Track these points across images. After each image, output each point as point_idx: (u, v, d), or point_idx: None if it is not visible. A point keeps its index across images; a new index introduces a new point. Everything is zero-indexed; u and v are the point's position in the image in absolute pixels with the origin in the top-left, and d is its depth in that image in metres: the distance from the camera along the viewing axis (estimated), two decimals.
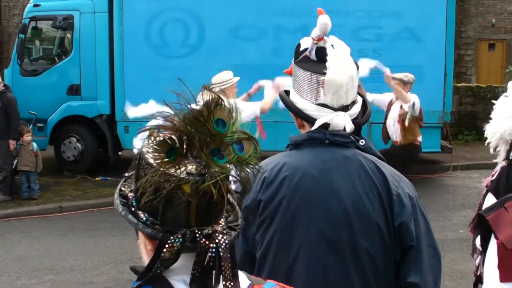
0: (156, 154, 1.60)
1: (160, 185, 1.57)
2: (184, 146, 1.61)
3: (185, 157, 1.61)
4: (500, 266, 2.96)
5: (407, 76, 9.69)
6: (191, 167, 1.59)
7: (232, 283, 1.58)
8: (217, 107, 1.61)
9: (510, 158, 3.46)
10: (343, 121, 2.53)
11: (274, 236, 2.51)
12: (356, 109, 2.57)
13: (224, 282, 1.57)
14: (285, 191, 2.50)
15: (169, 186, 1.56)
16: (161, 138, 1.61)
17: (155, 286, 1.61)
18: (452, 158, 14.29)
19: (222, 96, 1.66)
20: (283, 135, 11.72)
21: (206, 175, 1.57)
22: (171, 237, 1.57)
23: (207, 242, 1.57)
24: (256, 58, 13.28)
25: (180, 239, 1.57)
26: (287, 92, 2.70)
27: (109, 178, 13.45)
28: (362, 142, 2.58)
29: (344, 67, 2.48)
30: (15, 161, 12.09)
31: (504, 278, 2.95)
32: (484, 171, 14.43)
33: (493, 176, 3.54)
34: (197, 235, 1.57)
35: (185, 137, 1.60)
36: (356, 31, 12.59)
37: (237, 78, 8.13)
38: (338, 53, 2.51)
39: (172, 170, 1.57)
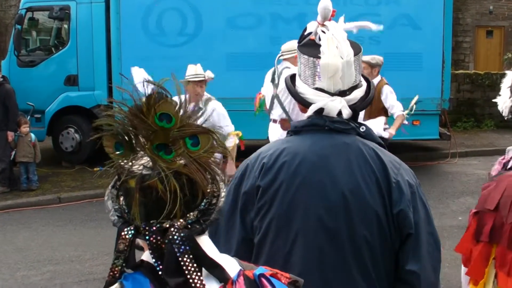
0: (107, 147, 1.62)
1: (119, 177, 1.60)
2: (132, 140, 1.61)
3: (135, 151, 1.61)
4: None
5: (374, 58, 9.23)
6: (145, 161, 1.59)
7: (197, 276, 1.57)
8: (160, 101, 1.59)
9: None
10: (338, 106, 2.51)
11: (272, 222, 2.50)
12: (356, 94, 2.54)
13: (188, 276, 1.57)
14: (283, 177, 2.49)
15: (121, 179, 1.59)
16: (110, 132, 1.62)
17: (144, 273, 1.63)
18: (451, 145, 14.31)
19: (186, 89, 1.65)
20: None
21: (153, 171, 1.57)
22: (125, 229, 1.58)
23: (158, 238, 1.58)
24: (253, 47, 13.26)
25: (132, 232, 1.59)
26: (294, 77, 2.69)
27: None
28: (363, 128, 2.56)
29: (337, 52, 2.47)
30: (13, 152, 12.09)
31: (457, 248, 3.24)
32: (483, 158, 14.47)
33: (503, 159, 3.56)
34: (146, 232, 1.58)
35: (131, 133, 1.60)
36: (354, 19, 12.48)
37: None
38: (331, 37, 2.50)
39: (129, 163, 1.59)
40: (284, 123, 8.00)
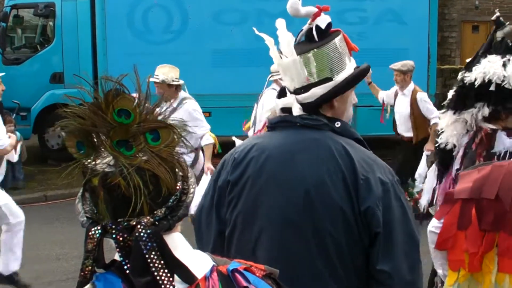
0: (69, 148, 1.62)
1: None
2: (93, 139, 1.61)
3: (97, 149, 1.61)
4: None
5: (405, 65, 9.26)
6: (109, 159, 1.59)
7: (164, 273, 1.57)
8: (118, 97, 1.58)
9: None
10: (289, 104, 2.58)
11: (239, 216, 2.56)
12: (315, 92, 2.54)
13: (156, 273, 1.56)
14: (250, 172, 2.54)
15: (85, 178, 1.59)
16: (70, 132, 1.62)
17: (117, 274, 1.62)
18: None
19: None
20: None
21: (116, 168, 1.57)
22: (93, 229, 1.58)
23: (125, 236, 1.57)
24: (239, 43, 13.24)
25: (100, 231, 1.58)
26: None
27: None
28: (337, 124, 2.57)
29: (288, 51, 2.54)
30: None
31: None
32: None
33: None
34: (113, 231, 1.58)
35: (91, 131, 1.60)
36: (340, 14, 12.57)
37: None
38: (281, 38, 2.57)
39: (92, 162, 1.59)
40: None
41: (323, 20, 2.60)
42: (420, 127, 9.32)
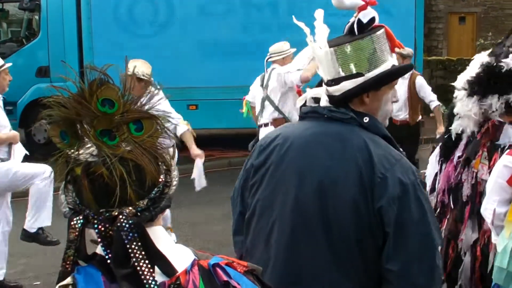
0: (53, 137, 1.62)
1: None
2: (76, 128, 1.61)
3: (80, 139, 1.61)
4: None
5: (405, 49, 9.41)
6: (93, 149, 1.59)
7: (144, 264, 1.57)
8: (102, 87, 1.59)
9: None
10: (319, 95, 2.64)
11: (258, 202, 2.63)
12: (344, 85, 2.54)
13: (136, 264, 1.56)
14: (273, 159, 2.61)
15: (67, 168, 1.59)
16: (54, 122, 1.62)
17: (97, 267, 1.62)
18: (424, 131, 14.38)
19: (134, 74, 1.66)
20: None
21: (99, 158, 1.57)
22: (75, 218, 1.57)
23: (107, 226, 1.58)
24: (225, 35, 13.22)
25: (82, 221, 1.59)
26: None
27: None
28: (366, 119, 2.57)
29: (322, 43, 2.57)
30: None
31: None
32: None
33: None
34: (95, 221, 1.58)
35: (75, 120, 1.60)
36: (326, 5, 12.48)
37: (294, 49, 8.19)
38: (316, 29, 2.61)
39: (75, 152, 1.59)
40: (277, 122, 7.95)
41: (366, 14, 2.62)
42: (416, 110, 9.76)
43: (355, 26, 2.60)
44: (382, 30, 2.63)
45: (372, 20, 2.60)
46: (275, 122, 7.99)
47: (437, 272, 2.47)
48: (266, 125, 8.19)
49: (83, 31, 13.65)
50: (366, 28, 2.59)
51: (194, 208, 9.72)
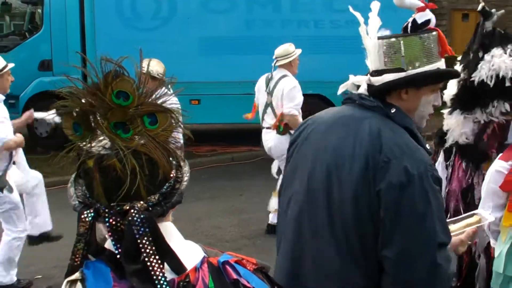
0: (66, 129, 1.60)
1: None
2: (89, 119, 1.59)
3: (93, 131, 1.58)
4: None
5: None
6: (105, 142, 1.58)
7: (155, 259, 1.56)
8: (117, 79, 1.57)
9: None
10: (359, 83, 2.76)
11: (285, 176, 2.84)
12: (385, 77, 2.64)
13: (146, 259, 1.54)
14: (300, 140, 2.77)
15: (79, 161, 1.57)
16: (67, 113, 1.60)
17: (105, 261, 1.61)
18: (427, 128, 14.34)
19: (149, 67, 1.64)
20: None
21: (112, 151, 1.55)
22: (85, 212, 1.55)
23: (118, 220, 1.56)
24: (228, 30, 13.18)
25: (92, 214, 1.57)
26: None
27: None
28: (393, 110, 2.62)
29: (372, 34, 2.73)
30: None
31: None
32: None
33: None
34: (106, 214, 1.56)
35: (88, 112, 1.58)
36: (329, 1, 12.48)
37: (300, 50, 8.10)
38: (369, 20, 2.78)
39: (87, 145, 1.57)
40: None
41: (422, 16, 2.79)
42: None
43: (409, 25, 2.75)
44: (435, 33, 2.75)
45: (427, 22, 2.76)
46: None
47: (439, 272, 2.41)
48: (268, 128, 8.20)
49: (85, 25, 13.60)
50: (420, 29, 2.74)
51: (196, 203, 9.71)
